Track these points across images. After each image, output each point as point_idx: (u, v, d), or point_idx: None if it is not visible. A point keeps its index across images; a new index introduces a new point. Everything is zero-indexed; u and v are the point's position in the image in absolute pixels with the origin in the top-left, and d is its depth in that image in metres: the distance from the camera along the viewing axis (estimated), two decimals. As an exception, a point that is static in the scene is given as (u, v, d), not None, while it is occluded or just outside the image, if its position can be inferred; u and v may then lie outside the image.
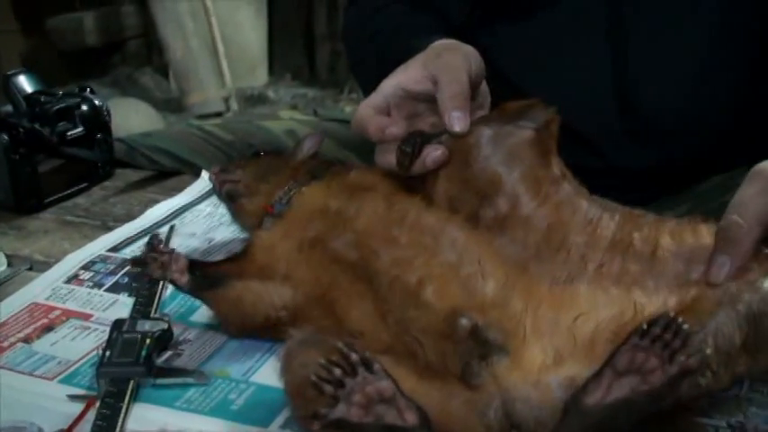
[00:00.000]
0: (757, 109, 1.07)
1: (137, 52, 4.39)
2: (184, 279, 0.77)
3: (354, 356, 0.58)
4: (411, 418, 0.58)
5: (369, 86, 0.99)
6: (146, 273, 0.78)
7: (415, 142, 0.76)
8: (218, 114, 3.88)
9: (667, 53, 1.03)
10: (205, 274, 0.78)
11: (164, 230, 1.01)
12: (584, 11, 1.04)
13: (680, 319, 0.56)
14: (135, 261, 0.80)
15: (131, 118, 3.29)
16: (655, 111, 1.06)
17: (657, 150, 1.07)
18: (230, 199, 0.93)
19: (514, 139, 0.77)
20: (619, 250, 0.70)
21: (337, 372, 0.58)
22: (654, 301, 0.65)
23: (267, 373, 0.74)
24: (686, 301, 0.63)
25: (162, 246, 0.78)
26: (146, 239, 0.99)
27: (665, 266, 0.68)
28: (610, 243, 0.71)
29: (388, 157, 0.78)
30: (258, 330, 0.78)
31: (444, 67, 0.81)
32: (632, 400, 0.56)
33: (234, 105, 3.96)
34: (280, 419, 0.68)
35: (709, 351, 0.57)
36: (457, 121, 0.77)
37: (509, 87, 1.08)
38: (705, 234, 0.69)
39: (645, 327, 0.56)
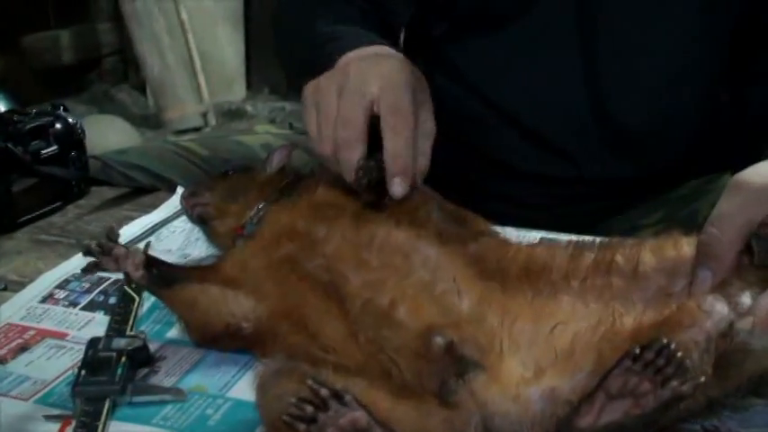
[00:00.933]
0: (728, 116, 1.09)
1: (113, 69, 4.37)
2: (139, 273, 0.77)
3: (324, 391, 0.58)
4: None
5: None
6: (99, 265, 0.78)
7: (371, 176, 0.77)
8: (197, 129, 3.86)
9: (638, 65, 1.04)
10: (162, 273, 0.78)
11: (139, 247, 1.01)
12: (555, 23, 1.04)
13: (673, 345, 0.56)
14: (86, 250, 0.79)
15: (109, 135, 3.27)
16: (627, 121, 1.06)
17: (631, 159, 1.08)
18: (202, 222, 0.94)
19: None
20: (602, 268, 0.70)
21: (309, 409, 0.57)
22: (632, 312, 0.65)
23: (244, 387, 0.74)
24: (664, 313, 0.63)
25: (120, 254, 0.78)
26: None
27: (648, 281, 0.69)
28: (593, 262, 0.71)
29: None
30: (223, 340, 0.77)
31: (393, 113, 0.80)
32: (624, 423, 0.57)
33: (212, 120, 3.95)
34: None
35: (703, 379, 0.57)
36: (397, 187, 0.77)
37: (481, 100, 1.09)
38: (685, 247, 0.69)
39: (638, 351, 0.56)
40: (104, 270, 0.80)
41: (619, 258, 0.70)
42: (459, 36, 1.11)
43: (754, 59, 1.03)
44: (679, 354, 0.56)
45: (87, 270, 0.80)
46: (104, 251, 0.78)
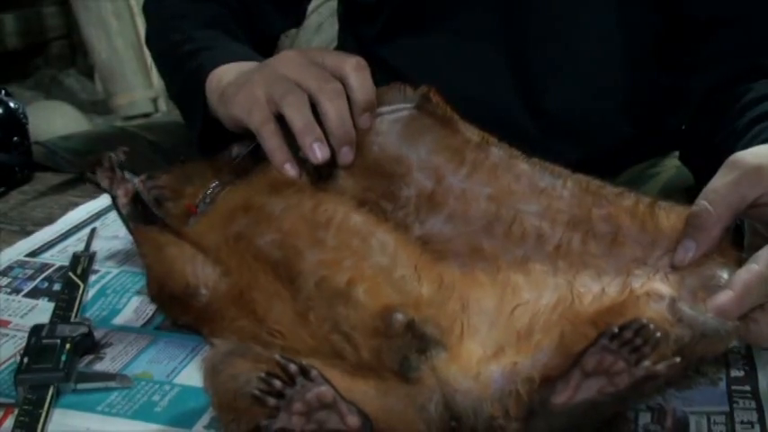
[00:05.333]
0: (669, 100, 1.10)
1: (60, 54, 4.29)
2: (125, 200, 0.79)
3: (293, 367, 0.57)
4: (353, 421, 0.57)
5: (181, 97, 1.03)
6: (96, 175, 0.81)
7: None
8: (147, 115, 3.81)
9: (567, 57, 1.04)
10: (146, 211, 0.79)
11: (84, 233, 0.99)
12: (483, 22, 1.05)
13: (652, 326, 0.57)
14: (91, 159, 0.81)
15: (56, 121, 3.21)
16: (563, 112, 1.07)
17: (573, 147, 1.09)
18: (157, 204, 0.93)
19: (400, 123, 0.77)
20: (579, 230, 0.71)
21: (277, 383, 0.57)
22: (593, 290, 0.66)
23: (191, 373, 0.73)
24: (625, 294, 0.64)
25: (116, 176, 0.81)
26: (65, 243, 0.98)
27: (624, 249, 0.70)
28: (569, 221, 0.72)
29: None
30: (176, 303, 0.75)
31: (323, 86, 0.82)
32: (598, 401, 0.57)
33: (162, 106, 3.90)
34: (204, 419, 0.68)
35: (678, 359, 0.58)
36: (312, 154, 0.79)
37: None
38: (663, 219, 0.70)
39: (616, 330, 0.57)
40: (96, 183, 0.82)
41: (596, 221, 0.71)
42: (391, 37, 1.11)
43: (687, 51, 1.04)
44: (658, 334, 0.57)
45: (82, 176, 0.83)
46: (99, 163, 0.80)
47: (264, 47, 1.08)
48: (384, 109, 0.81)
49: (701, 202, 0.68)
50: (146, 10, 1.20)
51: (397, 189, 0.77)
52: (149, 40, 1.19)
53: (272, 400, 0.56)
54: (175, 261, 0.74)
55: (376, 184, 0.77)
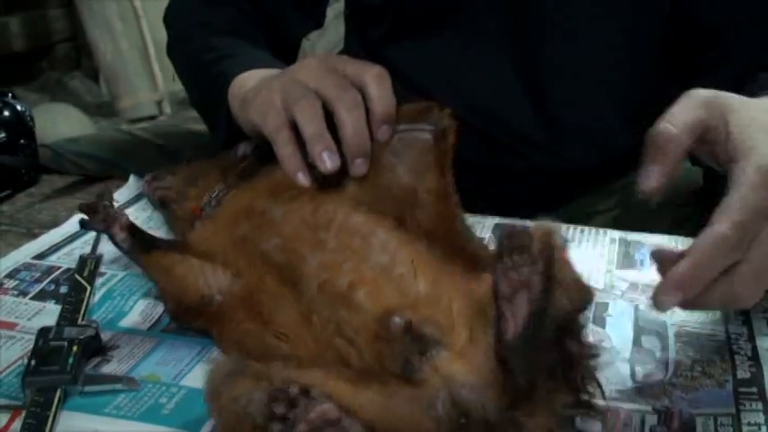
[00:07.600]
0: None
1: (65, 56, 4.30)
2: (123, 235, 0.79)
3: (293, 391, 0.57)
4: None
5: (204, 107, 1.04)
6: (91, 222, 0.82)
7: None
8: (151, 118, 3.82)
9: (574, 58, 1.04)
10: (144, 239, 0.79)
11: (90, 236, 1.00)
12: (489, 23, 1.05)
13: (516, 226, 0.58)
14: (85, 206, 0.82)
15: (61, 123, 3.22)
16: (571, 115, 1.07)
17: (580, 151, 1.09)
18: (163, 205, 0.93)
19: (416, 146, 0.78)
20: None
21: (280, 409, 0.56)
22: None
23: (198, 375, 0.73)
24: None
25: (109, 217, 0.81)
26: (72, 245, 0.98)
27: None
28: None
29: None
30: (194, 313, 0.76)
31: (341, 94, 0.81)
32: (536, 312, 0.56)
33: (167, 109, 3.90)
34: (211, 421, 0.68)
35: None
36: (321, 163, 0.77)
37: (423, 97, 1.09)
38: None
39: (500, 248, 0.57)
40: (94, 229, 0.84)
41: None
42: (396, 38, 1.11)
43: (696, 57, 1.04)
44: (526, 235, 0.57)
45: (82, 226, 0.84)
46: (95, 210, 0.81)
47: (287, 51, 1.08)
48: (402, 127, 0.79)
49: (663, 124, 0.69)
50: (166, 18, 1.21)
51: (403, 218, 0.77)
52: (170, 49, 1.19)
53: (277, 427, 0.56)
54: (186, 277, 0.75)
55: (384, 205, 0.76)
